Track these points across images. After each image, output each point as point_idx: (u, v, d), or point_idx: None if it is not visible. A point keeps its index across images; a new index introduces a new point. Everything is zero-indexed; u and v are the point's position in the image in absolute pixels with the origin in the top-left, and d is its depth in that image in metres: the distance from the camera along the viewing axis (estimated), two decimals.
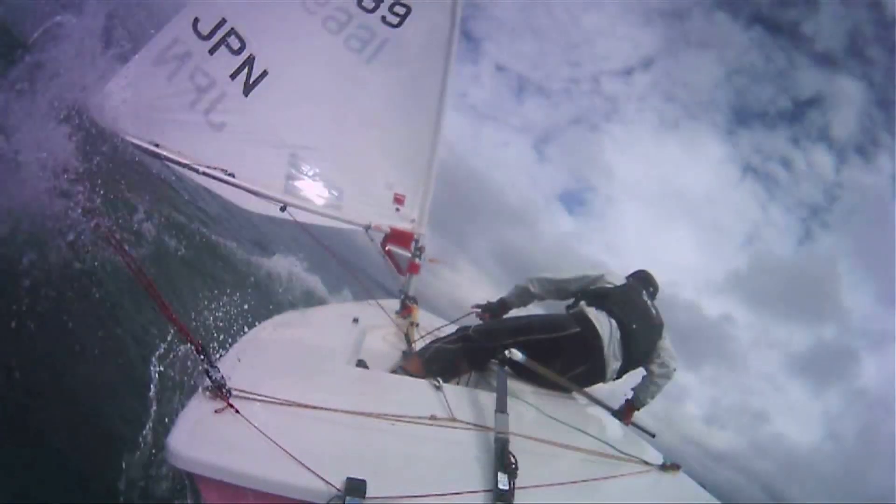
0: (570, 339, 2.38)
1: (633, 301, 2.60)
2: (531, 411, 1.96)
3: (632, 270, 2.92)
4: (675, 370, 2.61)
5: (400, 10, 3.64)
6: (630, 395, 2.72)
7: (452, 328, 2.91)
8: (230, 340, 2.24)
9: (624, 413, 2.68)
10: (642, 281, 2.81)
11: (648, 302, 2.66)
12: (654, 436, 2.71)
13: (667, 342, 2.63)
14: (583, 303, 2.52)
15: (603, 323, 2.41)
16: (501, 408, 1.62)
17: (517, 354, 2.13)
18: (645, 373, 2.68)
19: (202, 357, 1.20)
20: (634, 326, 2.47)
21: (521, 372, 2.28)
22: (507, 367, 2.12)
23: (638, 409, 2.72)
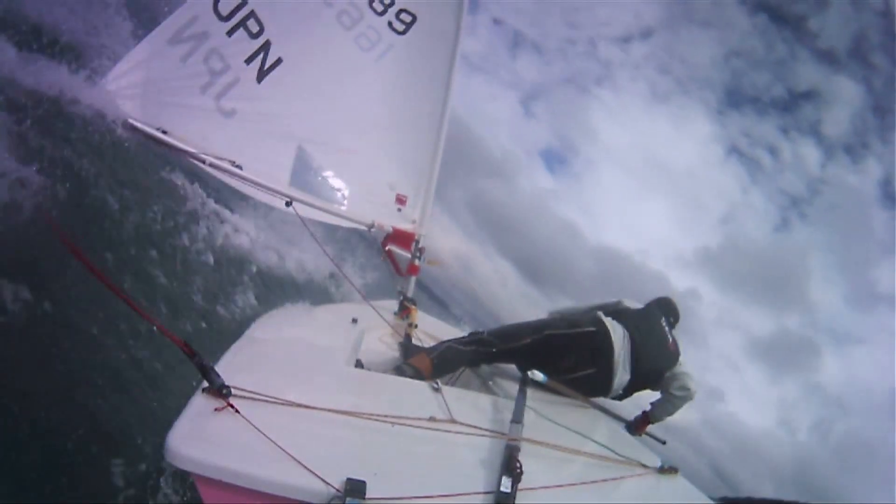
0: (584, 336, 2.46)
1: (649, 323, 2.65)
2: (531, 414, 1.96)
3: (654, 297, 2.91)
4: (696, 392, 2.62)
5: (406, 17, 3.67)
6: (648, 408, 2.76)
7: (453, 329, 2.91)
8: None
9: (638, 425, 2.73)
10: (662, 308, 2.82)
11: (666, 329, 2.69)
12: (664, 443, 2.77)
13: (686, 367, 2.65)
14: (599, 312, 2.58)
15: (616, 329, 2.48)
16: (517, 418, 1.66)
17: (538, 375, 2.18)
18: (663, 392, 2.70)
19: (196, 357, 1.18)
20: (645, 343, 2.51)
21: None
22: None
23: (652, 423, 2.76)
